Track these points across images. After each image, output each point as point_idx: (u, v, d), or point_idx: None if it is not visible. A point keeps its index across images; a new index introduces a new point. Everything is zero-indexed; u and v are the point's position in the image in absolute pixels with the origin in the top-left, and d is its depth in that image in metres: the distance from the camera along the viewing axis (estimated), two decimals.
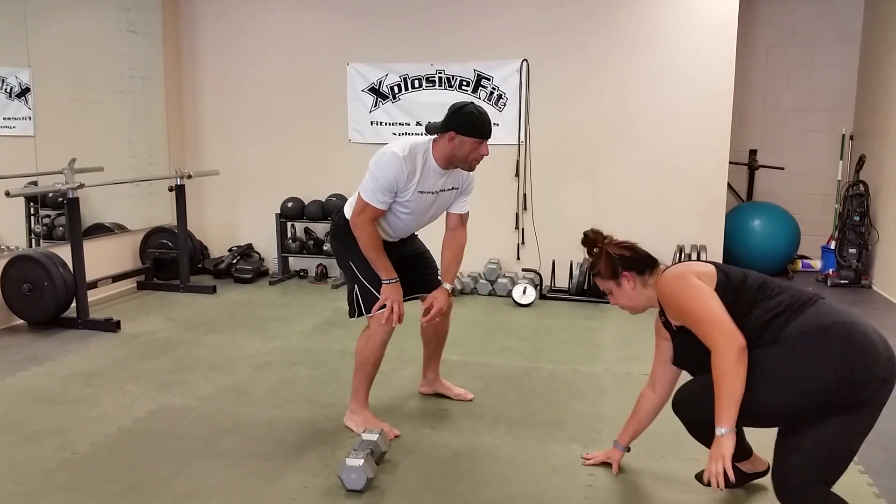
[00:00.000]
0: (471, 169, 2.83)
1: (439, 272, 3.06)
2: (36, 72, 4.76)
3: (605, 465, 2.62)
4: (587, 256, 2.43)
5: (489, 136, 2.74)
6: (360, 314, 2.87)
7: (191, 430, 2.94)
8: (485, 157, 2.78)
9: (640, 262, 2.32)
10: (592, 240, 2.38)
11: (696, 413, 2.24)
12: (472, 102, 2.78)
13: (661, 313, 2.35)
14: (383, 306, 2.77)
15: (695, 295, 2.09)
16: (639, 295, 2.33)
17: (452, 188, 2.89)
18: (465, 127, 2.67)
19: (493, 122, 2.86)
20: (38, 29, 4.77)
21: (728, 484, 2.08)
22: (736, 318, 2.03)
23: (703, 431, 2.24)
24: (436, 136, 2.76)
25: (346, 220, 2.86)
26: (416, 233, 3.07)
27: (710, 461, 2.00)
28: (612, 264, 2.31)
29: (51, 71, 4.91)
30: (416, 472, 2.58)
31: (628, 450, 2.60)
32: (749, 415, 2.02)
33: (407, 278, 2.89)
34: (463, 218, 3.00)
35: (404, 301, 2.84)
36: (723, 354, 1.98)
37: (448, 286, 2.97)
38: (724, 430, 1.99)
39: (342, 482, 2.41)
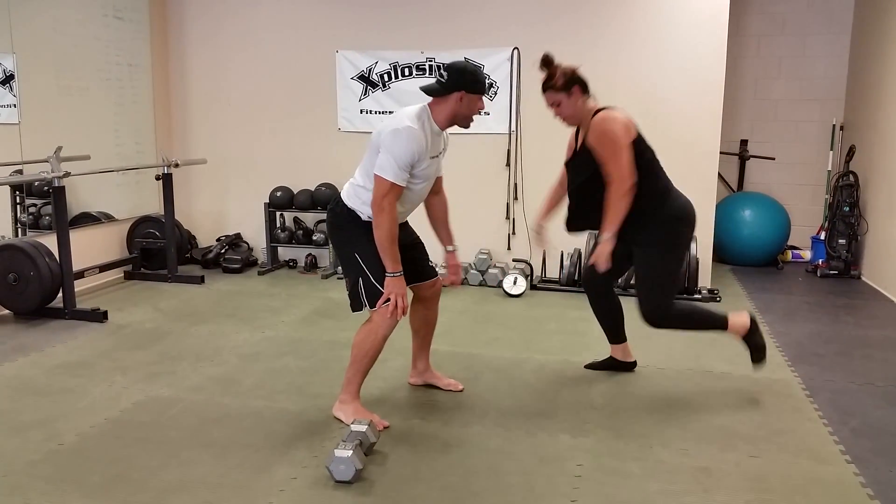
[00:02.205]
0: (468, 126, 2.87)
1: (442, 250, 3.15)
2: (20, 58, 4.69)
3: (595, 455, 2.62)
4: (544, 77, 2.96)
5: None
6: (364, 308, 2.84)
7: (178, 421, 2.92)
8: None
9: (585, 84, 2.96)
10: (550, 59, 2.95)
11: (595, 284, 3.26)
12: (465, 59, 2.79)
13: (577, 133, 3.09)
14: (388, 300, 2.73)
15: (620, 137, 2.86)
16: (578, 110, 2.98)
17: (443, 149, 2.94)
18: (475, 85, 2.75)
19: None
20: (22, 15, 4.70)
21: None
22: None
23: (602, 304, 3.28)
24: (432, 98, 2.80)
25: (349, 209, 2.83)
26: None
27: (596, 254, 2.92)
28: (567, 78, 2.91)
29: (36, 58, 4.84)
30: (406, 462, 2.58)
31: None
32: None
33: (406, 268, 2.87)
34: (441, 179, 3.06)
35: None
36: (617, 186, 2.85)
37: (452, 248, 3.13)
38: (607, 235, 2.88)
39: (331, 473, 2.40)
